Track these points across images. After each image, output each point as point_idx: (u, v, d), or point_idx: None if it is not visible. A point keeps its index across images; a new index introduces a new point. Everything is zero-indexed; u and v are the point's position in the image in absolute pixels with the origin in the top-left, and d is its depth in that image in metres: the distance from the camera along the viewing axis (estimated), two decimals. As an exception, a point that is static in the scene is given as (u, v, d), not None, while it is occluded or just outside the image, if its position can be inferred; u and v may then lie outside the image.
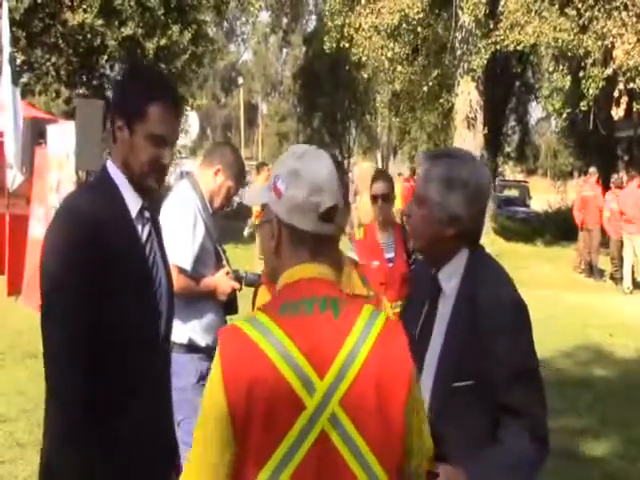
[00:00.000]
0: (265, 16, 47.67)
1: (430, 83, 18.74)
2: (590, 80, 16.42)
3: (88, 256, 2.06)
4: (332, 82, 38.38)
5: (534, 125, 39.56)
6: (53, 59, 17.37)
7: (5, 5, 10.59)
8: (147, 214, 2.28)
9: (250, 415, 1.47)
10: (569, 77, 17.49)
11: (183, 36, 17.61)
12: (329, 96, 39.71)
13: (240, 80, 55.09)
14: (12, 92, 9.71)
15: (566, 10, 16.44)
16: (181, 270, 3.37)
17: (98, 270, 2.06)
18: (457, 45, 17.84)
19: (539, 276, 13.80)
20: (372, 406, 1.53)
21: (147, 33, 17.06)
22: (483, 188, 2.04)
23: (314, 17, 45.24)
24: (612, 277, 13.84)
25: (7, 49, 9.89)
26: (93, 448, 2.03)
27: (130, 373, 2.12)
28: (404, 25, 17.55)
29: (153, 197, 2.36)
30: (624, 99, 23.22)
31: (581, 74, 16.75)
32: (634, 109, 19.47)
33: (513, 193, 31.06)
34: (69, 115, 15.57)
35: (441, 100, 19.39)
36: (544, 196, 29.70)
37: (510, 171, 43.50)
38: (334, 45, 18.96)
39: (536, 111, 54.37)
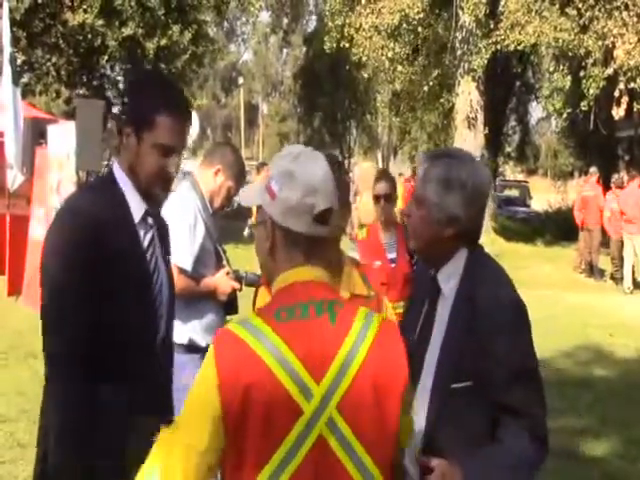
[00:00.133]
0: (265, 16, 47.80)
1: (430, 83, 18.74)
2: (591, 80, 16.41)
3: (89, 257, 2.06)
4: (332, 82, 38.36)
5: (534, 125, 39.60)
6: (53, 59, 17.39)
7: (6, 5, 10.59)
8: (151, 220, 2.28)
9: (246, 419, 1.47)
10: (569, 77, 17.46)
11: (183, 36, 17.62)
12: (329, 96, 39.71)
13: (240, 80, 55.10)
14: (12, 92, 9.69)
15: (567, 10, 16.43)
16: (181, 270, 3.36)
17: (98, 270, 2.06)
18: (457, 45, 17.85)
19: (539, 276, 13.78)
20: (369, 408, 1.52)
21: (147, 33, 17.08)
22: (482, 189, 2.03)
23: (314, 17, 45.38)
24: (612, 277, 13.81)
25: (8, 49, 9.87)
26: (92, 448, 2.04)
27: (130, 373, 2.13)
28: (404, 25, 17.56)
29: (158, 203, 2.35)
30: (625, 99, 23.27)
31: (582, 74, 16.74)
32: (635, 109, 19.49)
33: (513, 193, 31.04)
34: (69, 115, 15.58)
35: (441, 100, 19.41)
36: (544, 196, 29.66)
37: (510, 171, 43.44)
38: (334, 45, 18.97)
39: (536, 111, 54.31)
